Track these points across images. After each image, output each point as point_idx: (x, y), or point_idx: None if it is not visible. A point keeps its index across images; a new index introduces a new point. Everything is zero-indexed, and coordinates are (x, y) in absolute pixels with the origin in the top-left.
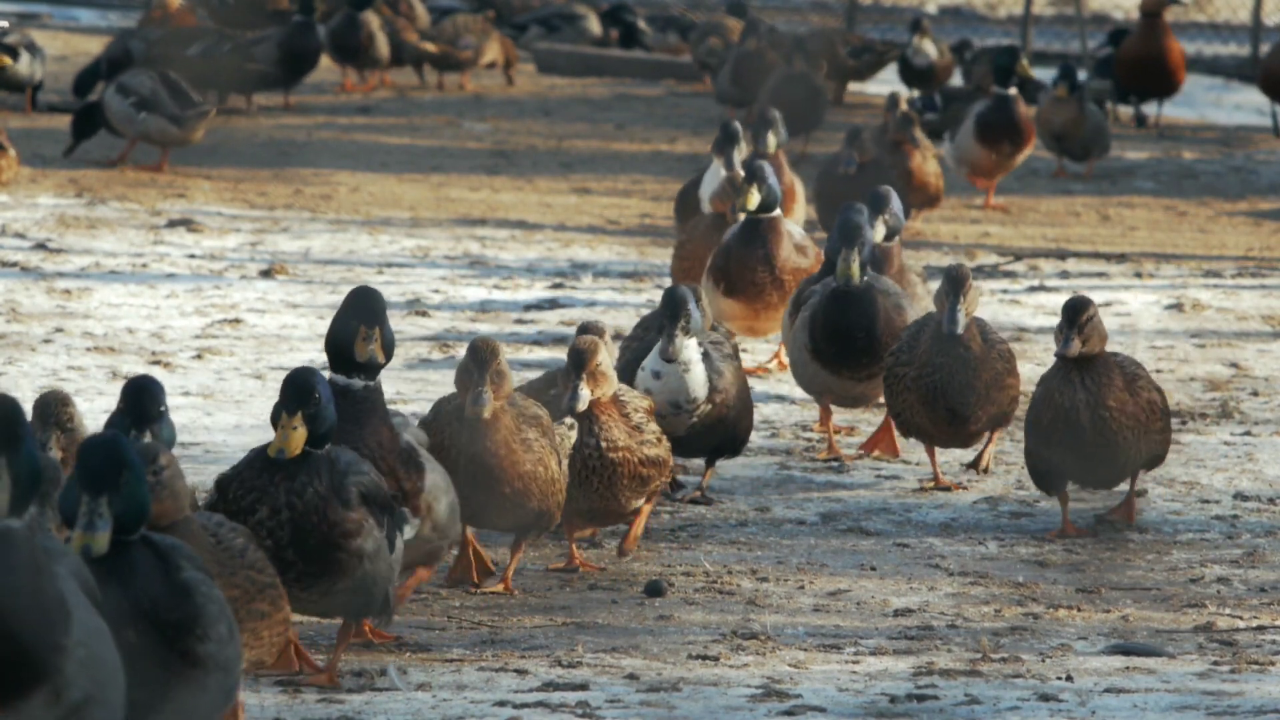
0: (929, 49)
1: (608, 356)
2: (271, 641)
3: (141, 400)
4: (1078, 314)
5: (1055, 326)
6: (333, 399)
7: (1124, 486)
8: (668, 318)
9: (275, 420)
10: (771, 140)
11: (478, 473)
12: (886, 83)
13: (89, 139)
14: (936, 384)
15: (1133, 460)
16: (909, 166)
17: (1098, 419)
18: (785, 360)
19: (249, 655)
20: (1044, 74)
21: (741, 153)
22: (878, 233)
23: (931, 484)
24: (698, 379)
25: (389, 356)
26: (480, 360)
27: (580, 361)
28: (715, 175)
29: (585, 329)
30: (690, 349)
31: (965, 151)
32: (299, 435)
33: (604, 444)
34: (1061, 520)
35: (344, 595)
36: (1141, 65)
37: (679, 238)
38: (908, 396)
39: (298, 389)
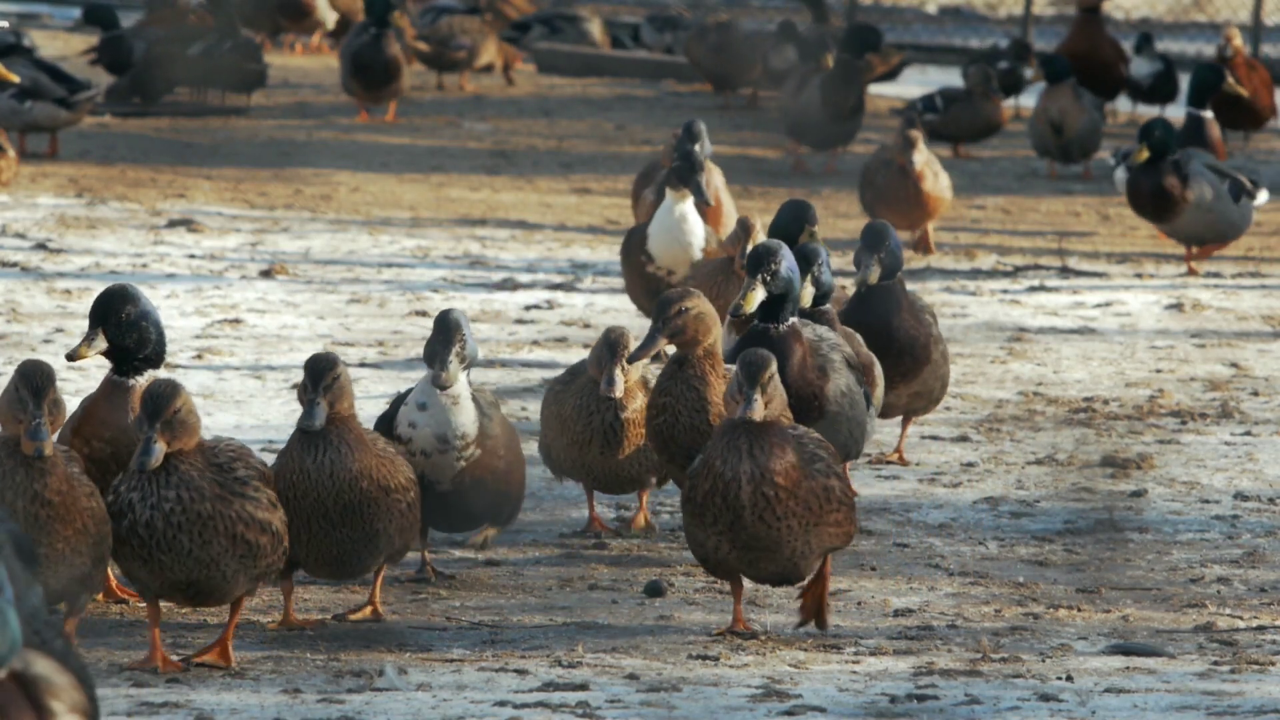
0: (791, 57)
1: (188, 404)
2: None
3: None
4: (760, 371)
5: (730, 388)
6: None
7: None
8: (440, 343)
9: None
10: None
11: (39, 516)
12: (886, 83)
13: None
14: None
15: (801, 553)
16: (921, 189)
17: (760, 497)
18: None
19: None
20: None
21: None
22: (805, 294)
23: None
24: (467, 414)
25: None
26: (35, 388)
27: (155, 410)
28: (667, 213)
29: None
30: (462, 381)
31: None
32: None
33: (174, 501)
34: (733, 613)
35: None
36: (1079, 62)
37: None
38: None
39: None
